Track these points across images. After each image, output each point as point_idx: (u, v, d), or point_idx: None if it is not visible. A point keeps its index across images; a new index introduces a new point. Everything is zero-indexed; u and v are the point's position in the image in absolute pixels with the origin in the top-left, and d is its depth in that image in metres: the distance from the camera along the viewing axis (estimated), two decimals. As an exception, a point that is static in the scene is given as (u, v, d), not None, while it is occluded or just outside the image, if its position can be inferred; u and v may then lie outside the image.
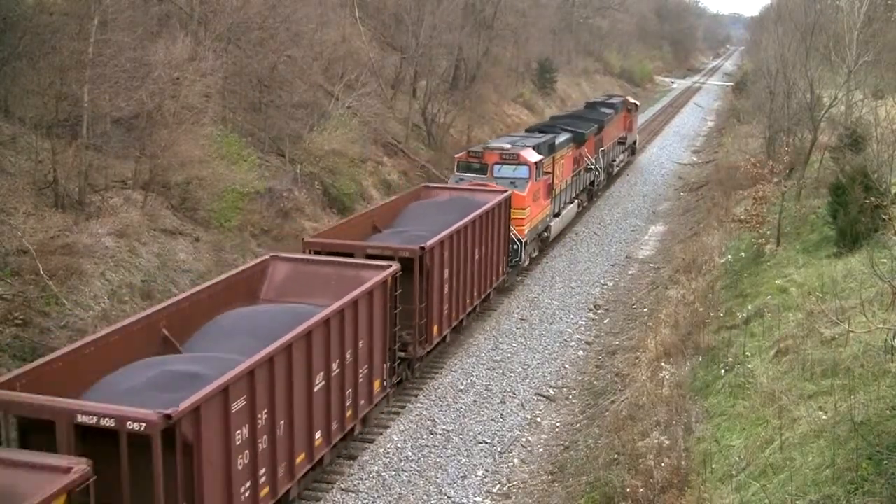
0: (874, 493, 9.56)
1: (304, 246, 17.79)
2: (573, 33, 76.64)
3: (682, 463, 12.67)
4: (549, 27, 64.51)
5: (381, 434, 16.48)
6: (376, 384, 15.87)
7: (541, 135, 29.87)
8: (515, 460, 15.98)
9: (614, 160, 41.72)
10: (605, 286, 26.46)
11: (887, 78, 29.81)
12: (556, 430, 17.30)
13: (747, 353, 15.67)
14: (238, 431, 11.27)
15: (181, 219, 22.98)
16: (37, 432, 10.12)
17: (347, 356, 14.38)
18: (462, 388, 18.77)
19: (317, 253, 17.35)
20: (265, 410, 11.89)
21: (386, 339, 16.03)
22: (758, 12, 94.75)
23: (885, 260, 14.69)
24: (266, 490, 12.15)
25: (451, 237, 19.02)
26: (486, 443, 16.48)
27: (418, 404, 17.83)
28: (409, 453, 15.90)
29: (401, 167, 35.32)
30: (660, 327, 19.83)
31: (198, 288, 14.83)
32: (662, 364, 17.23)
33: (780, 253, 21.97)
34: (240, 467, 11.38)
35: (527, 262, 26.68)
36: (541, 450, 16.47)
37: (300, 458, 13.11)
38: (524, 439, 16.79)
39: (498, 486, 15.06)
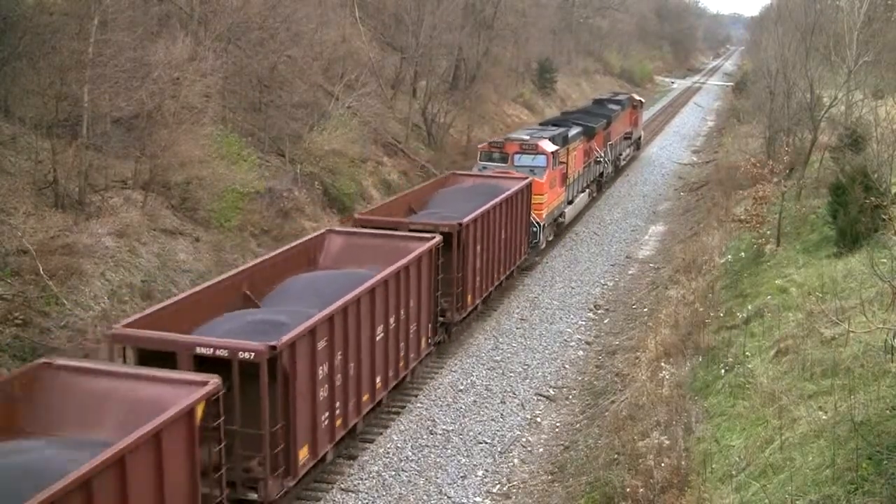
0: (874, 493, 9.56)
1: (353, 222, 20.45)
2: (573, 33, 76.65)
3: (682, 463, 12.67)
4: (549, 27, 64.51)
5: (381, 434, 16.48)
6: (423, 341, 18.24)
7: (555, 128, 31.46)
8: (515, 460, 15.98)
9: (621, 154, 43.19)
10: (605, 286, 26.46)
11: (887, 78, 29.81)
12: (556, 430, 17.29)
13: (747, 353, 15.67)
14: (321, 367, 13.30)
15: (181, 219, 22.98)
16: (153, 362, 11.84)
17: (402, 313, 16.66)
18: (462, 388, 18.77)
19: (365, 227, 19.61)
20: (340, 352, 14.03)
21: (431, 302, 18.37)
22: (758, 12, 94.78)
23: (885, 260, 14.69)
24: (339, 421, 14.31)
25: (482, 216, 21.18)
26: (486, 443, 16.48)
27: (418, 404, 17.84)
28: (409, 453, 15.90)
29: (401, 167, 35.32)
30: (660, 327, 19.83)
31: (268, 255, 17.11)
32: (662, 364, 17.23)
33: (780, 253, 21.96)
34: (321, 398, 13.42)
35: (544, 245, 28.53)
36: (541, 450, 16.47)
37: (365, 398, 15.34)
38: (524, 439, 16.79)
39: (498, 486, 15.06)
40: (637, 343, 20.21)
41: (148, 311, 13.44)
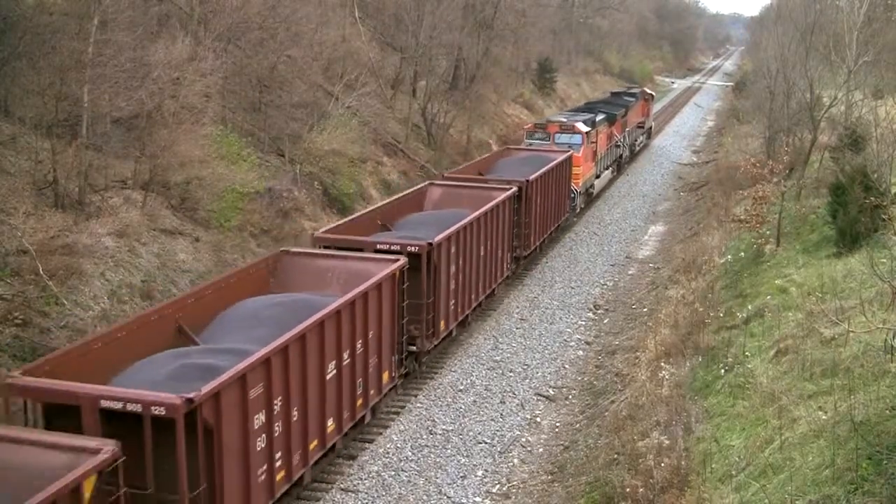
0: (874, 493, 9.56)
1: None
2: (573, 33, 76.63)
3: (682, 463, 12.67)
4: (549, 27, 64.49)
5: (381, 434, 16.48)
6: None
7: (584, 113, 37.53)
8: (515, 460, 15.98)
9: (636, 140, 48.48)
10: (605, 286, 26.46)
11: (887, 78, 29.81)
12: (556, 430, 17.29)
13: (747, 353, 15.67)
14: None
15: (181, 219, 22.98)
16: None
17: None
18: (462, 388, 18.76)
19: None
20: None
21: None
22: (758, 12, 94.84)
23: (884, 260, 14.69)
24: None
25: (544, 175, 26.78)
26: (486, 443, 16.48)
27: (418, 404, 17.83)
28: (409, 453, 15.90)
29: (401, 167, 35.32)
30: (659, 327, 19.83)
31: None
32: (662, 364, 17.23)
33: (779, 253, 21.97)
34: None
35: (578, 210, 33.89)
36: (540, 450, 16.47)
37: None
38: (524, 439, 16.79)
39: (498, 486, 15.06)
40: (637, 343, 20.21)
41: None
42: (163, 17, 28.31)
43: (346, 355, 14.48)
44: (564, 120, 34.95)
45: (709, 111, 73.46)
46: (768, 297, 18.35)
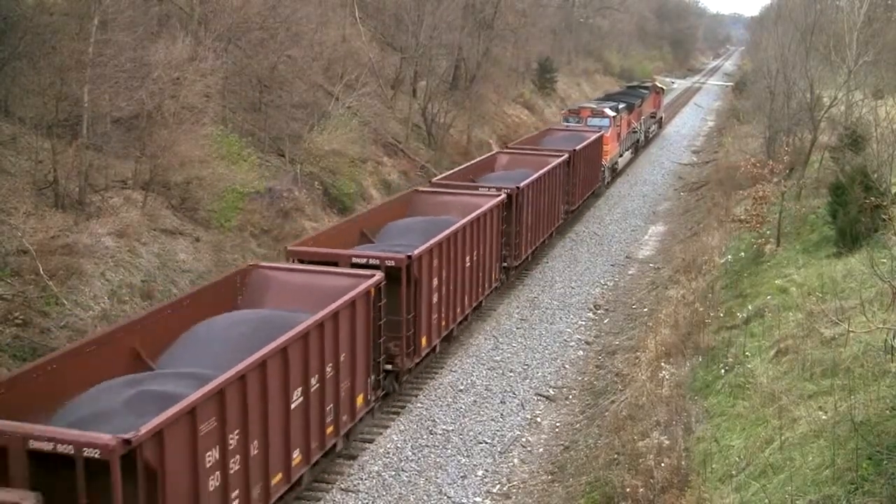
0: (874, 493, 9.56)
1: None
2: (573, 33, 76.63)
3: (682, 463, 12.67)
4: (549, 27, 64.54)
5: (381, 434, 16.48)
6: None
7: (608, 102, 43.99)
8: (515, 460, 15.98)
9: (649, 129, 54.07)
10: (605, 286, 26.46)
11: (887, 78, 29.81)
12: (556, 430, 17.29)
13: (747, 353, 15.67)
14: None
15: (181, 219, 22.98)
16: None
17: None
18: (462, 388, 18.77)
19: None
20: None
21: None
22: (758, 12, 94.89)
23: (885, 260, 14.70)
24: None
25: (584, 147, 32.46)
26: (486, 443, 16.48)
27: (418, 404, 17.83)
28: (409, 453, 15.90)
29: (401, 167, 35.32)
30: (660, 327, 19.82)
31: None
32: (662, 364, 17.23)
33: (780, 253, 21.97)
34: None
35: (606, 182, 39.36)
36: (541, 450, 16.47)
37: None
38: (524, 439, 16.79)
39: (498, 486, 15.06)
40: (637, 343, 20.21)
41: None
42: (163, 17, 28.32)
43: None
44: (594, 106, 41.60)
45: (709, 111, 73.44)
46: (768, 297, 18.35)
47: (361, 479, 14.94)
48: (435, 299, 18.36)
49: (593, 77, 79.00)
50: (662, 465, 12.75)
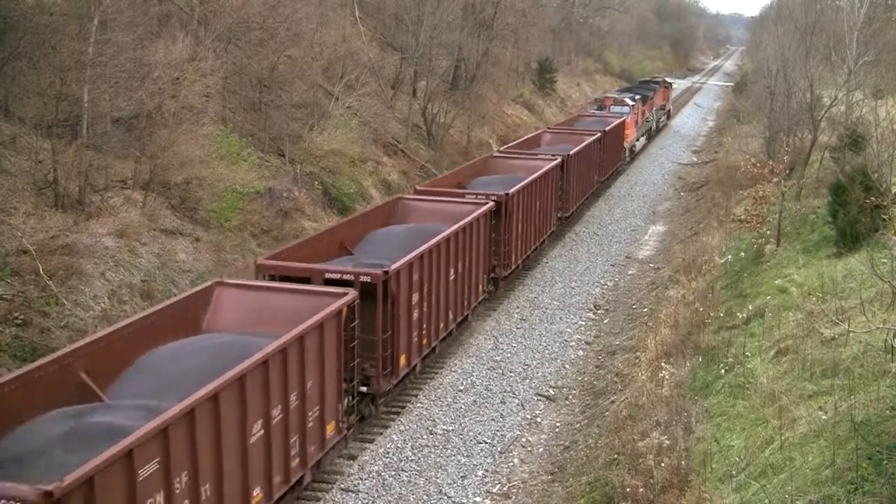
0: (874, 493, 9.56)
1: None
2: (573, 33, 76.65)
3: (682, 463, 12.67)
4: (549, 27, 64.58)
5: (381, 434, 16.48)
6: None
7: (626, 93, 51.02)
8: (515, 460, 15.98)
9: (659, 119, 59.38)
10: (605, 286, 26.46)
11: (887, 78, 29.82)
12: (556, 430, 17.29)
13: (747, 353, 15.67)
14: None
15: (181, 219, 22.99)
16: None
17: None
18: (462, 388, 18.76)
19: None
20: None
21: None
22: (758, 12, 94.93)
23: (885, 260, 14.72)
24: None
25: (611, 129, 39.03)
26: (486, 443, 16.48)
27: (418, 404, 17.83)
28: (409, 453, 15.90)
29: (401, 167, 35.32)
30: (660, 327, 19.82)
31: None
32: (662, 364, 17.22)
33: (780, 253, 21.98)
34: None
35: (626, 160, 45.17)
36: (541, 450, 16.47)
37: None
38: (524, 439, 16.79)
39: (498, 486, 15.06)
40: (637, 343, 20.21)
41: None
42: (163, 17, 28.32)
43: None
44: (616, 96, 49.22)
45: (709, 111, 73.46)
46: (768, 297, 18.36)
47: (361, 479, 14.94)
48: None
49: (593, 77, 79.01)
50: (662, 465, 12.75)
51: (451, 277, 19.24)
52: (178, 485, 10.00)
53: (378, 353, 15.84)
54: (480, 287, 21.92)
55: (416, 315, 17.14)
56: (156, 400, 10.72)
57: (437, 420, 17.23)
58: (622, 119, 42.50)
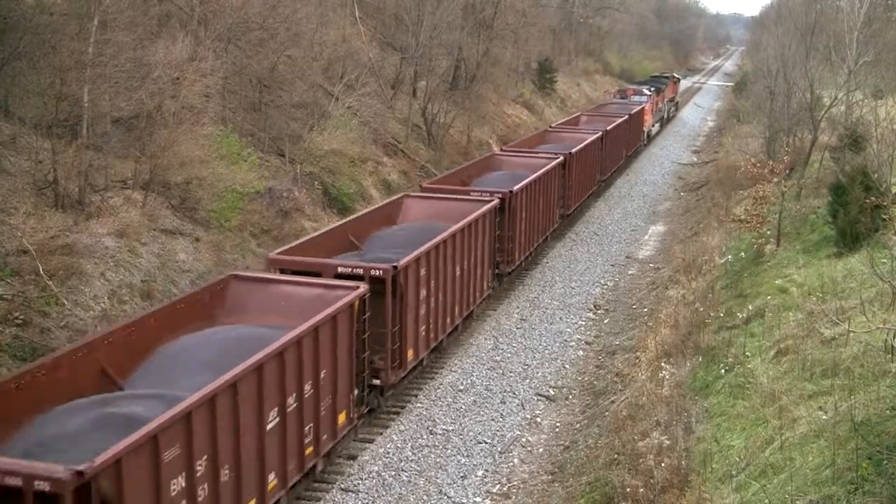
0: (874, 493, 9.56)
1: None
2: (573, 33, 76.62)
3: (683, 463, 12.67)
4: (549, 27, 64.61)
5: (381, 434, 16.48)
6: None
7: (643, 85, 58.80)
8: (515, 460, 15.98)
9: (669, 109, 66.23)
10: (605, 286, 26.46)
11: (887, 78, 29.83)
12: (556, 430, 17.29)
13: (747, 353, 15.67)
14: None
15: (181, 219, 22.98)
16: None
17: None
18: (462, 388, 18.76)
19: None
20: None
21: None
22: (758, 12, 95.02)
23: (885, 260, 14.72)
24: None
25: (635, 113, 46.77)
26: (486, 443, 16.48)
27: (418, 404, 17.83)
28: (409, 453, 15.90)
29: (401, 167, 35.31)
30: (660, 327, 19.82)
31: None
32: (662, 364, 17.22)
33: (780, 253, 21.98)
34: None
35: (645, 142, 52.30)
36: (541, 450, 16.47)
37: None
38: (524, 439, 16.79)
39: (498, 486, 15.06)
40: (637, 343, 20.21)
41: None
42: (163, 17, 28.31)
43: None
44: (635, 88, 57.55)
45: (709, 111, 73.49)
46: (768, 297, 18.36)
47: (361, 479, 14.94)
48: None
49: (593, 77, 78.98)
50: (662, 465, 12.75)
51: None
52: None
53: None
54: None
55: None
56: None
57: (437, 420, 17.23)
58: (641, 106, 49.98)
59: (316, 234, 19.15)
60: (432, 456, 15.87)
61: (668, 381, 16.30)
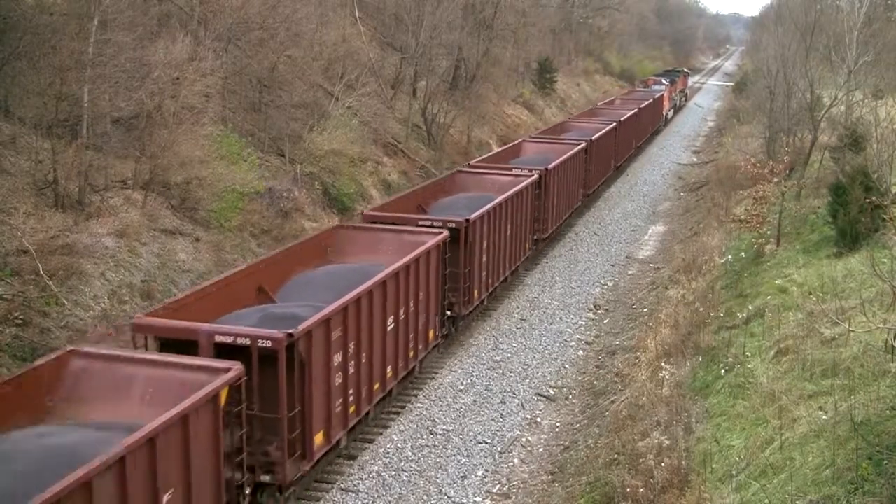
0: (874, 493, 9.56)
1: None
2: (573, 33, 76.65)
3: (683, 463, 12.67)
4: (549, 27, 64.64)
5: (381, 434, 16.48)
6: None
7: (661, 77, 71.47)
8: (515, 460, 15.98)
9: (680, 99, 75.13)
10: (605, 286, 26.45)
11: (887, 78, 29.82)
12: (556, 430, 17.29)
13: (747, 353, 15.66)
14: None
15: (181, 219, 22.98)
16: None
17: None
18: (462, 388, 18.76)
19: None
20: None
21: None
22: (758, 12, 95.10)
23: (885, 260, 14.70)
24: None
25: (657, 98, 58.68)
26: (486, 443, 16.48)
27: (418, 404, 17.83)
28: (409, 453, 15.90)
29: (401, 167, 35.31)
30: (660, 327, 19.82)
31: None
32: (662, 364, 17.22)
33: (780, 253, 21.98)
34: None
35: (664, 124, 62.53)
36: (541, 450, 16.47)
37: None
38: (524, 439, 16.78)
39: (498, 486, 15.05)
40: (637, 343, 20.20)
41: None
42: (163, 17, 28.31)
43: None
44: (655, 78, 70.32)
45: (709, 111, 73.52)
46: (768, 297, 18.35)
47: (361, 479, 14.94)
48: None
49: (593, 77, 79.01)
50: (662, 465, 12.75)
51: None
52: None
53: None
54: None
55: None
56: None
57: (437, 420, 17.23)
58: (661, 93, 60.98)
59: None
60: (432, 456, 15.87)
61: (668, 381, 16.30)
